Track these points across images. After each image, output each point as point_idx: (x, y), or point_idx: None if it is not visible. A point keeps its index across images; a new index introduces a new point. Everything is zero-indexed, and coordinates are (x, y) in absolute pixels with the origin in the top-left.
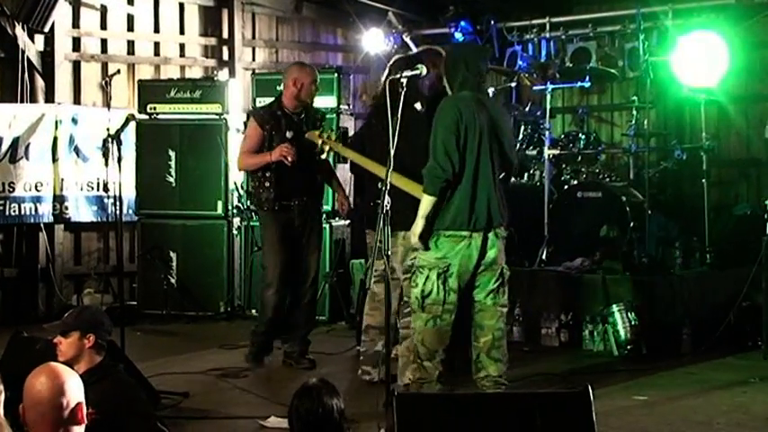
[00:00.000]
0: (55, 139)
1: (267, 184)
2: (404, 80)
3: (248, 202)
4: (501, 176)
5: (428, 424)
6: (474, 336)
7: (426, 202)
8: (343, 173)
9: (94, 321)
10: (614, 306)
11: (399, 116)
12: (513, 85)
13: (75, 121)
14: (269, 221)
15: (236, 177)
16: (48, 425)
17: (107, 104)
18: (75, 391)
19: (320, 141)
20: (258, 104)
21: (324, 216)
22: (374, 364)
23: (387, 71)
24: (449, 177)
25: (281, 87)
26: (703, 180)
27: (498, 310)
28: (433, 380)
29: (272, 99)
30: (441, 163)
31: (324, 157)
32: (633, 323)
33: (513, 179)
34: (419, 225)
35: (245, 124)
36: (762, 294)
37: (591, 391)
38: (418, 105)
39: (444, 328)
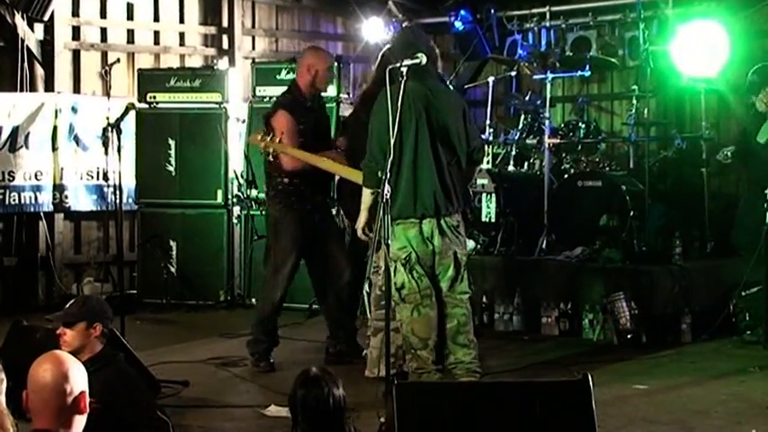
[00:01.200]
0: (54, 128)
1: (297, 180)
2: (404, 69)
3: (251, 191)
4: (453, 162)
5: (427, 413)
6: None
7: (366, 195)
8: None
9: (100, 311)
10: (614, 295)
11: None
12: (513, 74)
13: (74, 110)
14: (291, 216)
15: (236, 166)
16: (51, 411)
17: (107, 93)
18: (79, 380)
19: (262, 144)
20: (258, 93)
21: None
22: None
23: (378, 61)
24: (381, 168)
25: (286, 75)
26: (703, 169)
27: (459, 297)
28: (432, 368)
29: (287, 87)
30: (374, 155)
31: (270, 159)
32: (633, 312)
33: (479, 164)
34: (362, 217)
35: (270, 116)
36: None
37: (590, 379)
38: None
39: (428, 313)
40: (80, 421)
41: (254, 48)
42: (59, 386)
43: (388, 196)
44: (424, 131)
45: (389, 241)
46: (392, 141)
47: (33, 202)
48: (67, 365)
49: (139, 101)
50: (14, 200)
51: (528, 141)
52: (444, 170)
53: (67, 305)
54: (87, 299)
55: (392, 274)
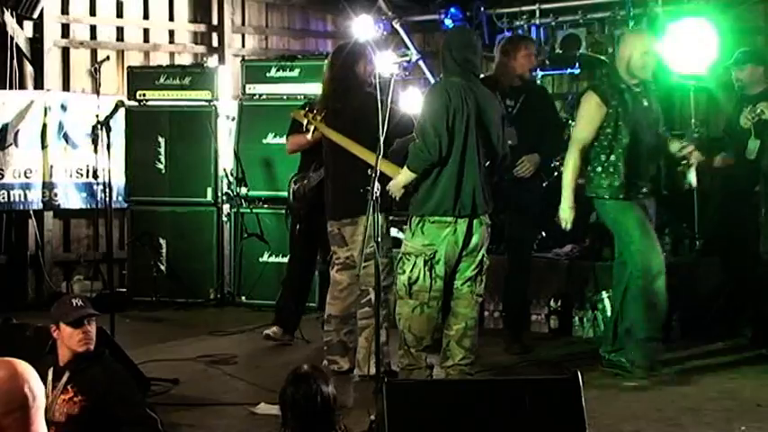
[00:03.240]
0: (44, 126)
1: None
2: (394, 66)
3: (240, 189)
4: (487, 165)
5: (417, 411)
6: (447, 324)
7: (406, 176)
8: None
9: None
10: (604, 293)
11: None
12: None
13: (64, 107)
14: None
15: (226, 164)
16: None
17: (96, 91)
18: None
19: (305, 121)
20: (248, 91)
21: None
22: (341, 353)
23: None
24: (434, 160)
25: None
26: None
27: (474, 298)
28: (422, 366)
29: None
30: (429, 145)
31: (309, 137)
32: None
33: (502, 172)
34: (401, 181)
35: None
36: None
37: (580, 377)
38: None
39: (432, 314)
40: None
41: (243, 45)
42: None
43: (377, 194)
44: (473, 130)
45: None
46: (381, 138)
47: (23, 199)
48: (22, 371)
49: (129, 98)
50: (4, 198)
51: None
52: (482, 170)
53: (83, 302)
54: (84, 296)
55: (406, 268)
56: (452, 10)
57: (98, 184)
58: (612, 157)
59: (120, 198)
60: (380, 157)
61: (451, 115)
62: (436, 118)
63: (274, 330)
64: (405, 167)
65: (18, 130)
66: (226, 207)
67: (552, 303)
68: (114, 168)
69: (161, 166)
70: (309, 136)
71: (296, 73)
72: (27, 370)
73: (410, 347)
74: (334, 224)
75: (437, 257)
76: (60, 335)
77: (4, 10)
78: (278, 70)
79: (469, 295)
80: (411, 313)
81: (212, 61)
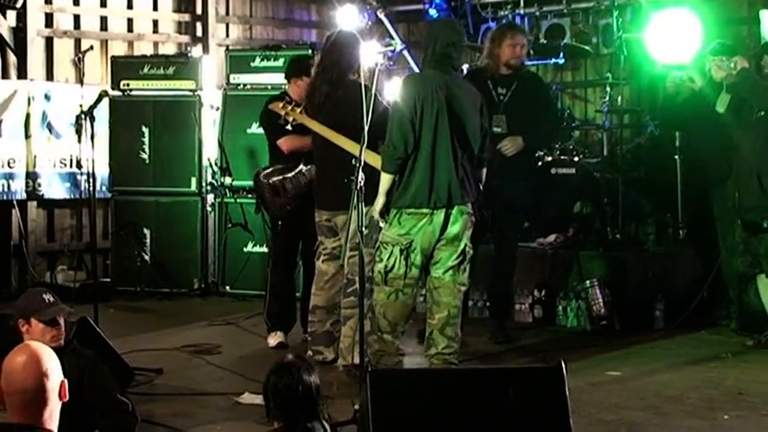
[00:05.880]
0: (27, 116)
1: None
2: (379, 55)
3: (225, 179)
4: (466, 155)
5: (401, 400)
6: (429, 312)
7: (385, 180)
8: None
9: None
10: (588, 282)
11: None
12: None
13: (47, 97)
14: None
15: (210, 154)
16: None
17: (80, 81)
18: (57, 371)
19: (284, 112)
20: (232, 81)
21: None
22: (326, 343)
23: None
24: (402, 155)
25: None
26: (676, 156)
27: (457, 287)
28: (393, 352)
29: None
30: (394, 142)
31: (289, 128)
32: (606, 299)
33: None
34: (380, 201)
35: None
36: None
37: (564, 366)
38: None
39: (406, 301)
40: (59, 409)
41: (227, 35)
42: (40, 386)
43: (362, 183)
44: (445, 122)
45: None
46: (366, 127)
47: (6, 189)
48: (44, 361)
49: (113, 88)
50: None
51: None
52: (459, 161)
53: (55, 298)
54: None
55: (383, 256)
56: (437, 0)
57: (82, 173)
58: None
59: (103, 188)
60: (365, 147)
61: (419, 108)
62: (403, 114)
63: (278, 336)
64: (382, 173)
65: (1, 120)
66: (210, 197)
67: (536, 293)
68: (98, 158)
69: (145, 156)
70: (289, 127)
71: (280, 63)
72: (44, 355)
73: (383, 333)
74: (324, 214)
75: (413, 246)
76: (31, 330)
77: None
78: (262, 60)
79: (452, 284)
80: (386, 299)
81: (196, 51)
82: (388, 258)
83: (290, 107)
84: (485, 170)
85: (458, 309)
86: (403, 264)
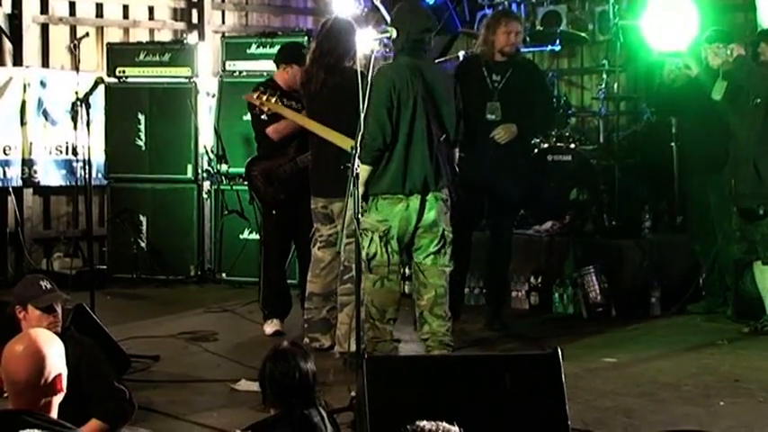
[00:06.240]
0: (23, 103)
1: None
2: (375, 42)
3: (221, 165)
4: (442, 139)
5: (398, 387)
6: (417, 294)
7: (363, 171)
8: None
9: None
10: (584, 269)
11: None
12: None
13: (43, 84)
14: None
15: (206, 141)
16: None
17: (76, 68)
18: (56, 362)
19: (258, 102)
20: (228, 68)
21: None
22: (322, 330)
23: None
24: (380, 146)
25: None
26: (672, 143)
27: (440, 269)
28: (387, 339)
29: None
30: (371, 133)
31: (264, 118)
32: (603, 286)
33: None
34: (363, 177)
35: None
36: None
37: (560, 353)
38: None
39: (392, 287)
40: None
41: (223, 22)
42: (36, 376)
43: (358, 170)
44: (421, 109)
45: (361, 212)
46: (362, 115)
47: (2, 177)
48: (44, 351)
49: (109, 75)
50: None
51: None
52: (434, 147)
53: (52, 285)
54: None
55: (364, 243)
56: None
57: (78, 160)
58: None
59: (99, 175)
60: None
61: (396, 98)
62: (378, 106)
63: (274, 323)
64: (360, 164)
65: None
66: (206, 184)
67: (532, 280)
68: (94, 145)
69: (141, 143)
70: (264, 117)
71: (276, 50)
72: (45, 343)
73: (375, 320)
74: (320, 201)
75: (391, 233)
76: (28, 317)
77: None
78: (258, 47)
79: (434, 267)
80: (372, 287)
81: (192, 38)
82: (369, 245)
83: (264, 97)
84: (457, 150)
85: (444, 288)
86: (384, 251)
